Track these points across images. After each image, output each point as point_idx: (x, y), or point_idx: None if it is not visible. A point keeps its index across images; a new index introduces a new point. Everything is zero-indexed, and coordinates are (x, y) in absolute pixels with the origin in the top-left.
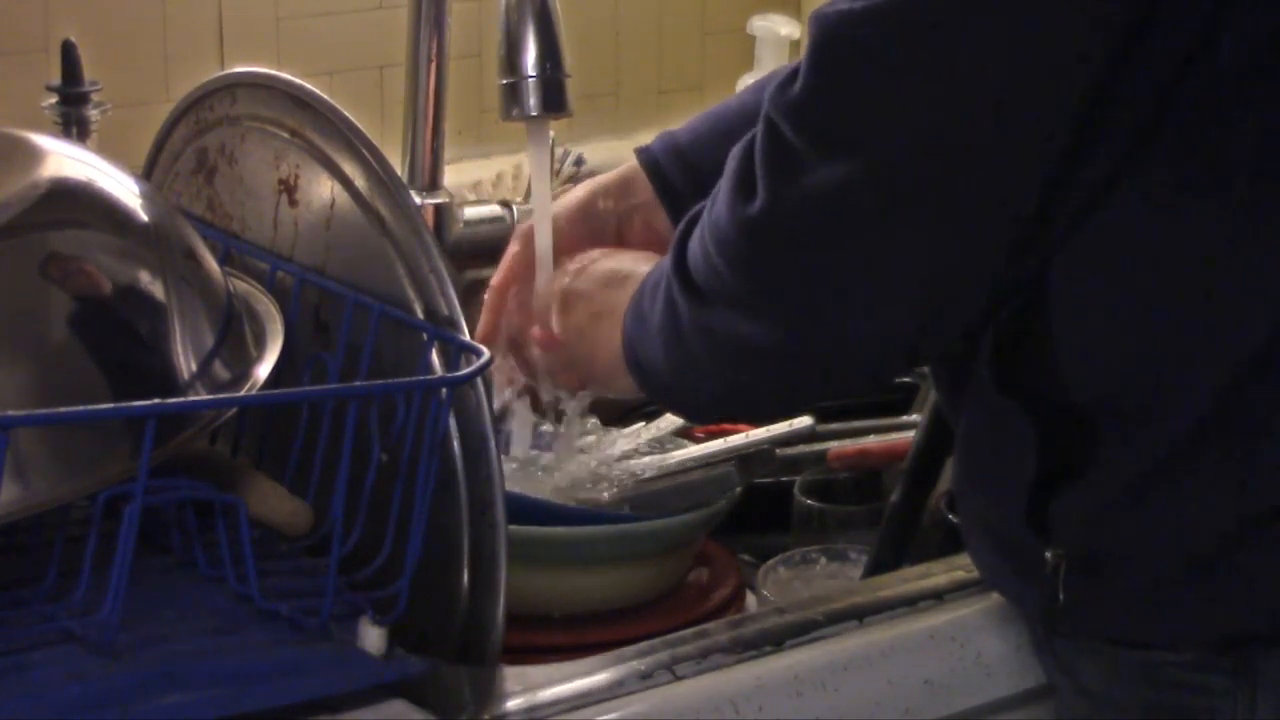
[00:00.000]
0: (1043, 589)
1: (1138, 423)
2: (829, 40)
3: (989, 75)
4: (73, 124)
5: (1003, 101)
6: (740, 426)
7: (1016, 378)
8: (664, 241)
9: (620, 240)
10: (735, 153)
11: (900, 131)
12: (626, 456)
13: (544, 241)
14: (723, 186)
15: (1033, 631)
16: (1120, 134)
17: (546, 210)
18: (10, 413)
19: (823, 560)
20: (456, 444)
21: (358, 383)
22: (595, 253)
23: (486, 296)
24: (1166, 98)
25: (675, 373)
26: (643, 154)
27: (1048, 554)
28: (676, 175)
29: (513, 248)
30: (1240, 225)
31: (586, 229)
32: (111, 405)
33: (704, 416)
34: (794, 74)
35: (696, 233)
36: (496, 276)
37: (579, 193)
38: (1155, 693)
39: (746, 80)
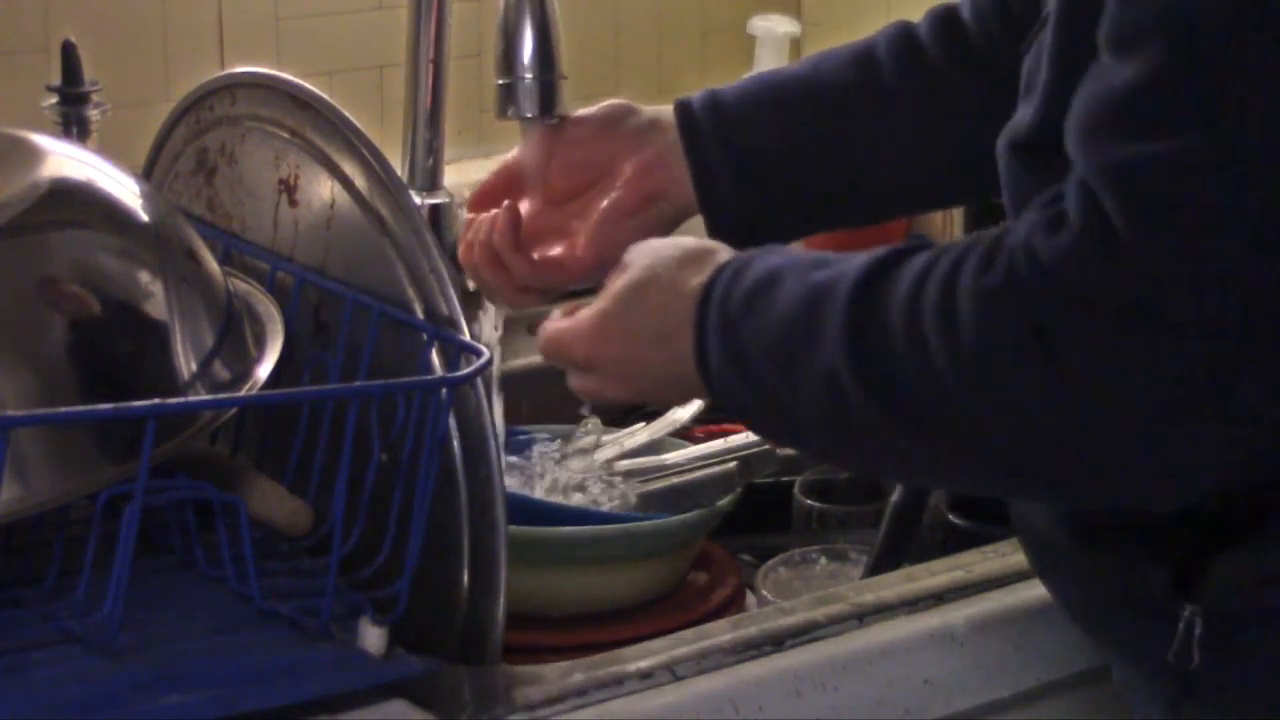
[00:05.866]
0: (1172, 646)
1: None
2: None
3: None
4: (73, 124)
5: None
6: (740, 426)
7: None
8: (651, 195)
9: (608, 171)
10: (1008, 334)
11: None
12: (626, 456)
13: None
14: (1010, 365)
15: (1145, 682)
16: None
17: None
18: (10, 413)
19: (823, 560)
20: (456, 444)
21: (358, 383)
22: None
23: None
24: None
25: (833, 454)
26: (680, 102)
27: (1185, 611)
28: (708, 129)
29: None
30: None
31: (591, 137)
32: (111, 405)
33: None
34: (1099, 235)
35: (914, 373)
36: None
37: (611, 102)
38: None
39: None
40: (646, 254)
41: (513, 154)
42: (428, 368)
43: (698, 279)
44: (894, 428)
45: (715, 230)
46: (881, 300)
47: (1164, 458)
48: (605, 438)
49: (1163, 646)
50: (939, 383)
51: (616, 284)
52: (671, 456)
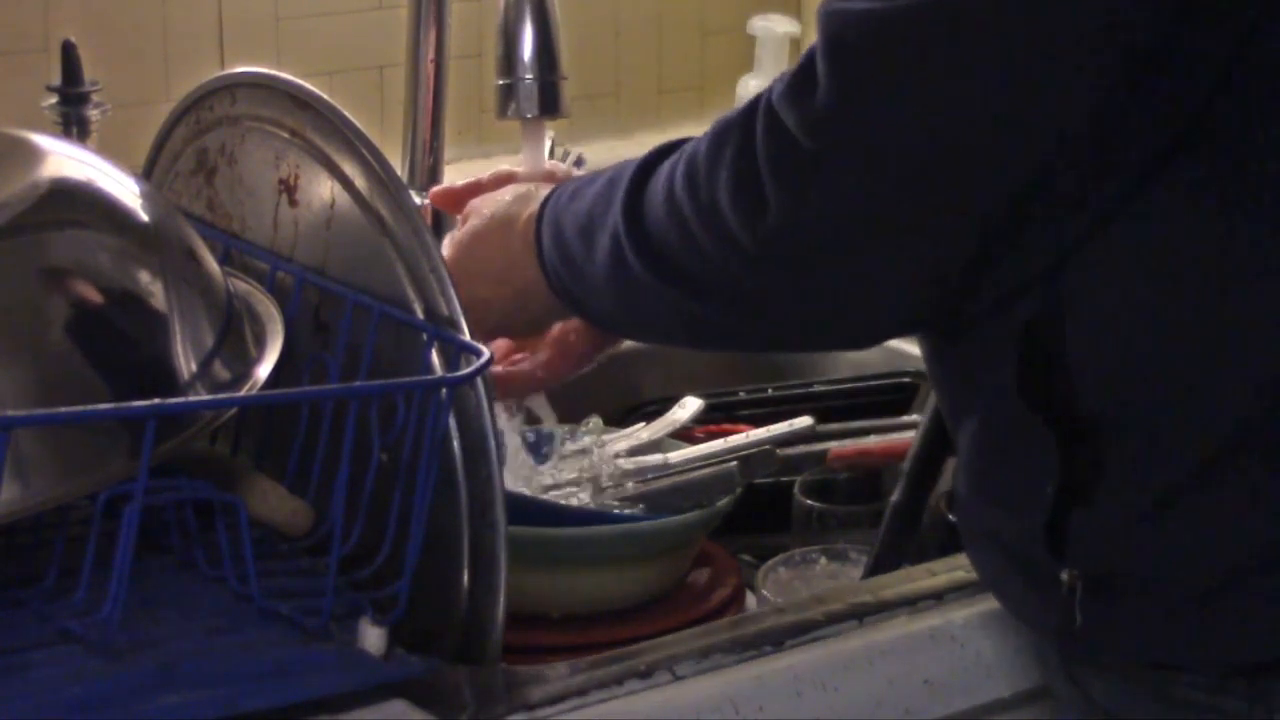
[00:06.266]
0: (1057, 609)
1: (1157, 444)
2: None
3: (1000, 92)
4: (73, 124)
5: (1020, 98)
6: (740, 426)
7: (1040, 390)
8: None
9: None
10: (726, 157)
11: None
12: (626, 456)
13: None
14: (720, 184)
15: (1037, 642)
16: (1156, 131)
17: None
18: (10, 413)
19: (823, 560)
20: (456, 444)
21: (358, 383)
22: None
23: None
24: (1208, 98)
25: (631, 323)
26: None
27: (1063, 574)
28: None
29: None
30: (1271, 247)
31: None
32: (111, 405)
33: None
34: (805, 76)
35: (661, 211)
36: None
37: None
38: (1169, 711)
39: (747, 80)
40: (482, 203)
41: (485, 176)
42: (428, 368)
43: (530, 209)
44: (651, 272)
45: None
46: (664, 160)
47: (845, 295)
48: (605, 437)
49: (1050, 609)
50: (678, 216)
51: (458, 234)
52: (671, 456)
